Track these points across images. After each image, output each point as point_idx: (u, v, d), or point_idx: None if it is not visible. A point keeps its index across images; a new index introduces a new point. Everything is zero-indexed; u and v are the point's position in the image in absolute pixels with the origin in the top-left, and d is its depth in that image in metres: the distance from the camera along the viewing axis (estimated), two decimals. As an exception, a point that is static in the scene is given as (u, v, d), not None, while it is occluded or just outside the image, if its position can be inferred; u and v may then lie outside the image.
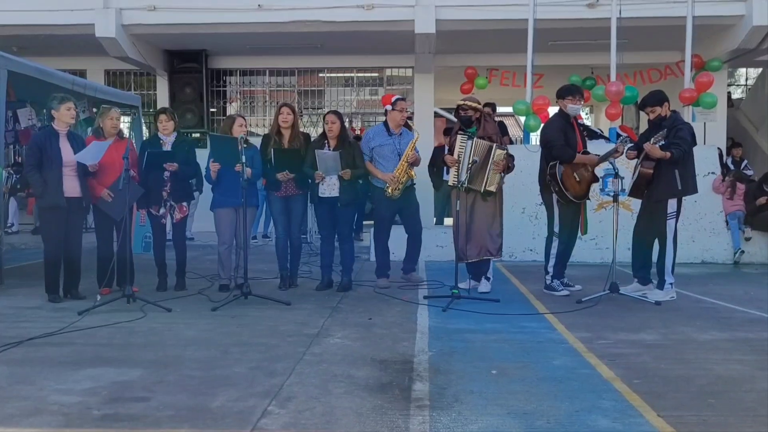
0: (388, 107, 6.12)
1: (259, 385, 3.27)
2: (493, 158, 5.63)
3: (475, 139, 5.64)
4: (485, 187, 5.67)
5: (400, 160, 5.98)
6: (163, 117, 5.85)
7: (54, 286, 5.42)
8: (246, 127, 5.88)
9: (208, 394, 3.13)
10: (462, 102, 5.93)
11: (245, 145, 5.46)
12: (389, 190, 5.93)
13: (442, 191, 8.94)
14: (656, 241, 5.69)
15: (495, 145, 5.68)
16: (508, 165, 5.81)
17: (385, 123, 6.15)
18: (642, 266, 5.82)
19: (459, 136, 5.72)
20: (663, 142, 5.31)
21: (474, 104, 5.86)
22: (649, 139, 5.41)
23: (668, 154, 5.28)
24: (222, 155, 5.60)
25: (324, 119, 5.95)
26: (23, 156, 10.44)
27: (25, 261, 7.84)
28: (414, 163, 6.02)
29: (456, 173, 5.65)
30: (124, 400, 3.06)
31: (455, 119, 6.11)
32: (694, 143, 5.57)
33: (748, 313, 5.16)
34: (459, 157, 5.64)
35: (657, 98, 5.60)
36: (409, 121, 6.11)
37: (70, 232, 5.43)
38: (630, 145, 5.80)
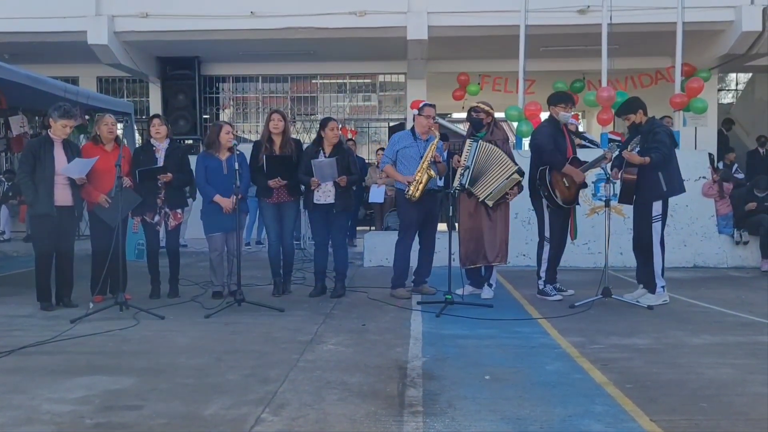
0: (416, 112, 6.08)
1: (253, 393, 3.27)
2: (507, 178, 5.64)
3: (479, 142, 5.67)
4: (481, 197, 5.69)
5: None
6: (156, 121, 5.84)
7: (46, 294, 5.39)
8: (233, 134, 5.85)
9: (201, 402, 3.13)
10: (477, 104, 5.97)
11: (237, 152, 5.48)
12: (410, 190, 5.73)
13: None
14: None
15: (518, 168, 5.67)
16: (515, 193, 5.85)
17: (412, 128, 6.08)
18: None
19: (468, 140, 5.78)
20: (638, 148, 5.38)
21: (488, 108, 5.90)
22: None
23: (647, 159, 5.33)
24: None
25: (322, 126, 5.93)
26: (15, 164, 10.44)
27: (16, 269, 7.80)
28: (439, 167, 5.84)
29: (459, 176, 5.67)
30: (117, 409, 3.05)
31: (449, 124, 6.12)
32: (674, 144, 5.62)
33: (739, 317, 5.18)
34: (465, 159, 5.67)
35: (631, 107, 5.67)
36: (433, 128, 6.02)
37: (62, 240, 5.40)
38: (617, 152, 5.82)
